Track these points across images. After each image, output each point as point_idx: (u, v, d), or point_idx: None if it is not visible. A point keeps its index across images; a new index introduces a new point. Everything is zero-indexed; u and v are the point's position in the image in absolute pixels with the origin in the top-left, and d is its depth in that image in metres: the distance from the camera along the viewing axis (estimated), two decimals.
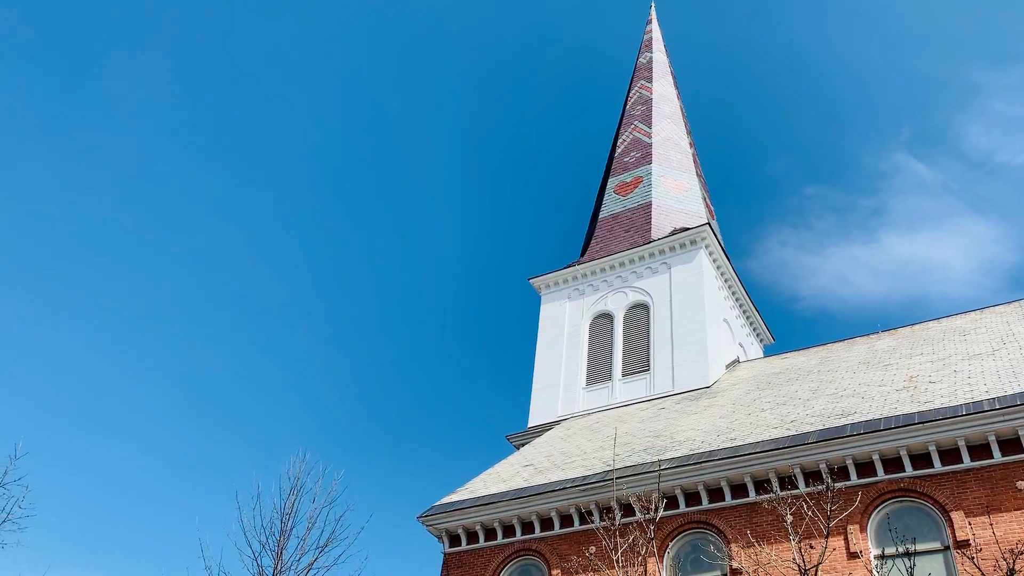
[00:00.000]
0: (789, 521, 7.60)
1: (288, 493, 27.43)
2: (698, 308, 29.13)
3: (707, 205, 36.40)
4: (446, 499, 23.15)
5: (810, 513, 7.53)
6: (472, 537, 22.03)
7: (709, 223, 32.05)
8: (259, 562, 26.23)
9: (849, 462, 17.04)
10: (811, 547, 8.72)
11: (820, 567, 6.19)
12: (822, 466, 17.12)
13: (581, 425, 27.27)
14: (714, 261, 31.81)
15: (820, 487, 16.21)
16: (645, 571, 16.91)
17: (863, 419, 17.70)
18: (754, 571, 15.25)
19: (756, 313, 34.59)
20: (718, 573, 17.65)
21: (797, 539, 6.91)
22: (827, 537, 6.72)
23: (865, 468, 17.06)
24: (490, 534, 21.76)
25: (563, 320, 32.23)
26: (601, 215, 36.04)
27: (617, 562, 7.41)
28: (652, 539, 7.39)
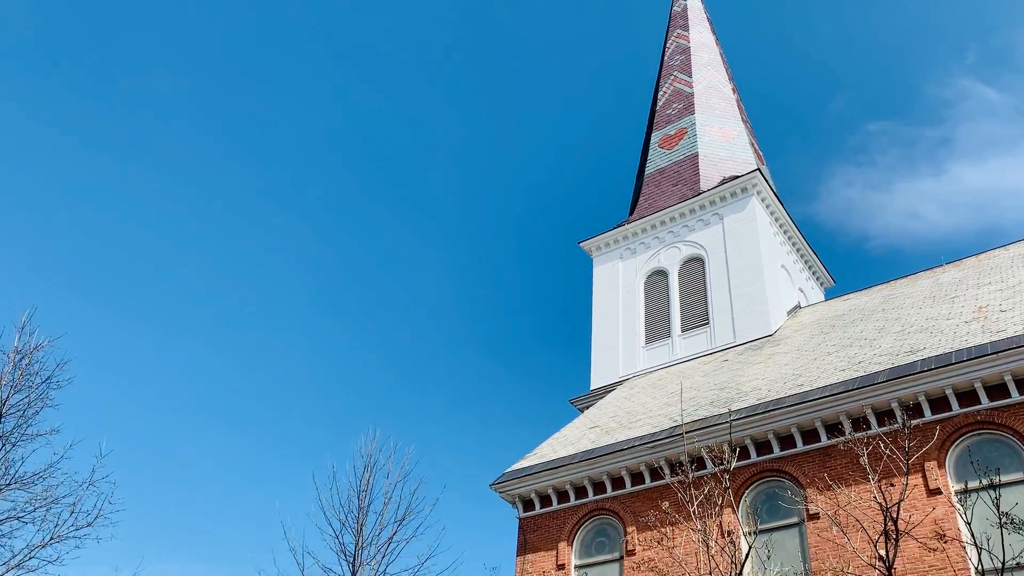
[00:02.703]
0: (865, 460, 7.48)
1: (362, 471, 28.02)
2: (754, 256, 28.70)
3: (755, 151, 35.71)
4: (516, 465, 23.40)
5: (887, 452, 7.40)
6: (545, 500, 22.26)
7: (759, 169, 31.43)
8: (340, 539, 26.91)
9: (922, 399, 16.72)
10: (891, 485, 8.59)
11: (900, 506, 6.11)
12: (894, 405, 16.84)
13: (644, 383, 27.22)
14: (767, 207, 31.25)
15: (894, 426, 15.99)
16: (721, 522, 16.92)
17: (933, 354, 17.32)
18: (833, 514, 15.12)
19: (814, 256, 33.95)
20: (795, 519, 17.55)
21: (876, 478, 6.81)
22: (907, 473, 6.61)
23: (939, 404, 16.73)
24: (562, 496, 21.97)
25: (617, 281, 32.08)
26: (647, 171, 35.63)
27: (694, 513, 7.41)
28: (728, 488, 7.35)
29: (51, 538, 16.32)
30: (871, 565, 6.46)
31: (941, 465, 16.11)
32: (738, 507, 17.12)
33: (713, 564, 6.62)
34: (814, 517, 17.06)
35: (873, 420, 17.04)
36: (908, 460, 6.38)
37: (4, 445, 16.55)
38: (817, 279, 34.56)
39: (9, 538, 16.28)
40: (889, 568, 6.17)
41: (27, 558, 16.01)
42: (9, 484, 16.47)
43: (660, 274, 31.22)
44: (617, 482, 21.01)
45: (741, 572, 6.29)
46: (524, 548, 21.96)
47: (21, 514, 16.38)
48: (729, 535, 7.15)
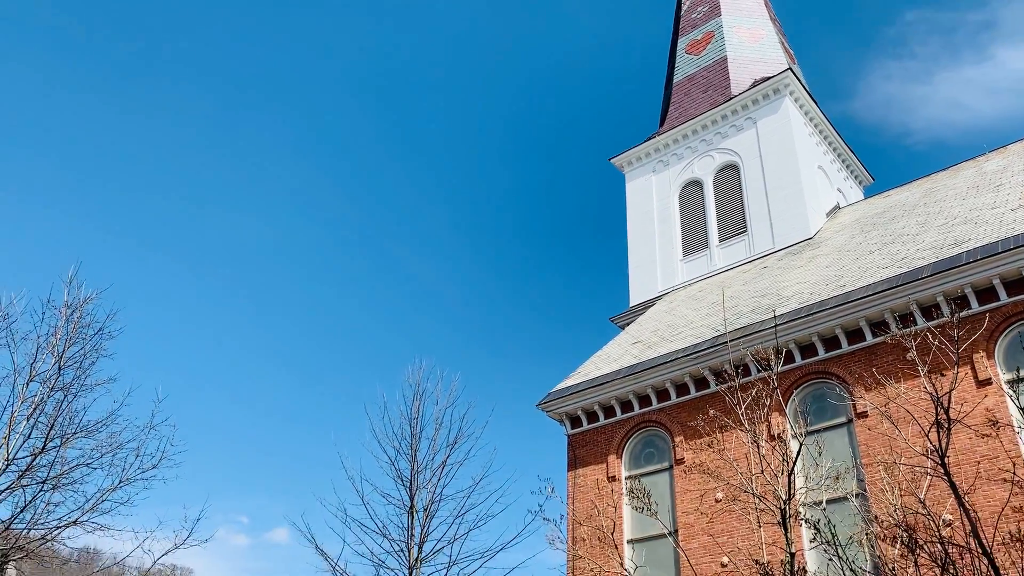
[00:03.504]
0: (914, 352, 7.43)
1: (412, 399, 28.59)
2: (790, 158, 28.12)
3: (786, 50, 34.62)
4: (561, 385, 23.68)
5: (936, 342, 7.33)
6: (592, 417, 22.57)
7: (790, 68, 30.51)
8: (396, 466, 27.67)
9: (968, 290, 16.48)
10: (941, 375, 8.55)
11: (951, 396, 6.08)
12: (939, 299, 16.64)
13: (683, 296, 27.15)
14: (801, 107, 30.45)
15: (941, 320, 15.82)
16: (769, 425, 17.04)
17: (979, 245, 16.98)
18: (883, 407, 15.13)
19: (852, 155, 33.17)
20: (843, 419, 17.62)
21: (925, 368, 6.77)
22: (956, 363, 6.56)
23: (986, 294, 16.49)
24: (609, 412, 22.25)
25: (651, 195, 31.72)
26: (676, 80, 34.79)
27: (742, 415, 7.46)
28: (775, 387, 7.36)
29: (120, 481, 16.97)
30: (923, 455, 6.49)
31: (990, 356, 15.97)
32: (786, 410, 17.21)
33: (764, 464, 6.70)
34: (862, 415, 17.10)
35: (919, 315, 16.88)
36: (958, 349, 6.30)
37: (66, 396, 17.11)
38: (856, 178, 33.84)
39: (81, 484, 16.95)
40: (942, 457, 6.18)
41: (100, 501, 16.69)
42: (75, 433, 17.09)
43: (695, 185, 30.78)
44: (662, 394, 21.20)
45: (793, 469, 6.35)
46: (574, 463, 22.39)
47: (89, 460, 17.02)
48: (778, 437, 7.21)
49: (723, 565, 17.38)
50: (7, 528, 16.24)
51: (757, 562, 6.00)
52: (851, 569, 5.39)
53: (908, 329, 9.67)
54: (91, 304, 17.75)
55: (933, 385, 6.47)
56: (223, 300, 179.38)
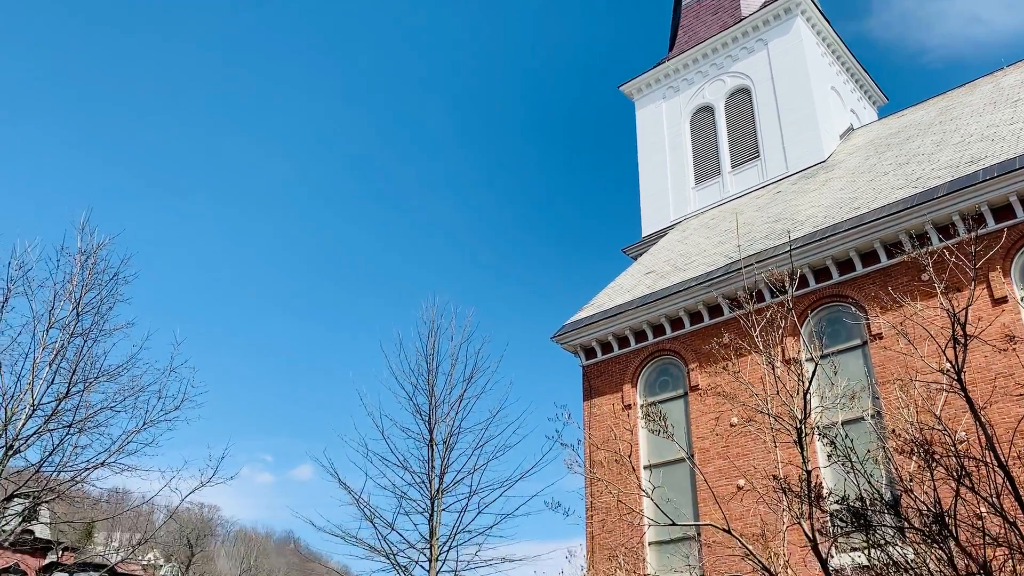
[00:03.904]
0: (930, 269, 7.36)
1: (427, 336, 28.83)
2: (803, 80, 27.57)
3: None
4: (575, 317, 23.75)
5: (952, 259, 7.26)
6: (606, 347, 22.69)
7: None
8: (414, 401, 28.06)
9: (984, 208, 16.29)
10: (957, 291, 8.47)
11: (968, 311, 6.06)
12: (955, 218, 16.46)
13: (696, 224, 26.98)
14: (813, 27, 29.71)
15: (956, 240, 15.68)
16: (784, 349, 17.08)
17: (995, 162, 16.71)
18: (899, 325, 15.12)
19: (865, 75, 32.47)
20: (858, 341, 17.65)
21: (942, 284, 6.72)
22: (974, 278, 6.50)
23: (1003, 212, 16.29)
24: (623, 342, 22.35)
25: (661, 122, 31.26)
26: (684, 2, 33.95)
27: (757, 337, 7.47)
28: (791, 308, 7.33)
29: (143, 423, 17.28)
30: (939, 371, 6.49)
31: (1006, 273, 15.86)
32: (800, 334, 17.22)
33: (779, 385, 6.74)
34: (877, 337, 17.11)
35: (934, 235, 16.73)
36: (975, 264, 6.24)
37: (86, 342, 17.31)
38: (870, 99, 33.20)
39: (106, 427, 17.27)
40: (958, 373, 6.17)
41: (125, 443, 17.03)
42: (97, 377, 17.33)
43: (705, 110, 30.29)
44: (676, 323, 21.24)
45: (808, 389, 6.37)
46: (590, 393, 22.60)
47: (113, 404, 17.30)
48: (793, 360, 7.21)
49: (739, 487, 17.64)
50: (37, 471, 16.63)
51: (775, 477, 6.07)
52: (868, 482, 5.45)
53: (924, 249, 9.59)
54: (105, 250, 17.83)
55: (950, 302, 6.43)
56: (237, 245, 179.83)
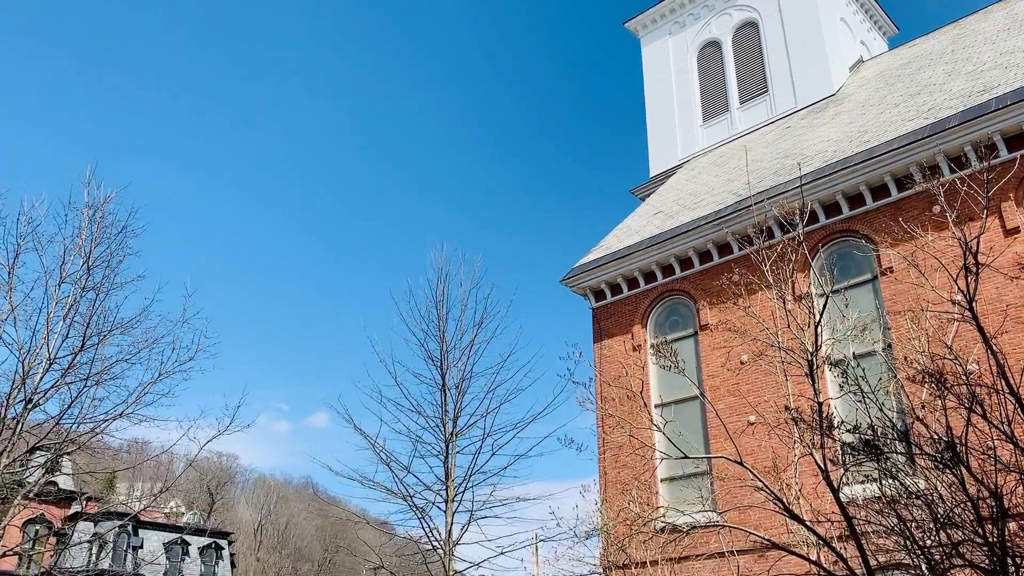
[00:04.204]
0: (941, 199, 7.28)
1: (436, 282, 28.93)
2: (811, 12, 26.98)
3: None
4: (584, 259, 23.73)
5: (964, 187, 7.18)
6: (616, 289, 22.70)
7: None
8: (426, 347, 28.26)
9: (997, 138, 16.06)
10: (970, 219, 8.41)
11: (980, 240, 6.01)
12: (967, 149, 16.25)
13: (704, 163, 26.74)
14: None
15: (967, 171, 15.50)
16: (794, 285, 17.06)
17: (1008, 90, 16.42)
18: (910, 256, 15.07)
19: (875, 4, 31.75)
20: (868, 275, 17.60)
21: (953, 215, 6.65)
22: (987, 205, 6.42)
23: (1015, 141, 16.07)
24: (632, 283, 22.35)
25: (667, 59, 30.75)
26: None
27: (767, 271, 7.45)
28: (801, 241, 7.29)
29: (159, 375, 17.47)
30: (951, 301, 6.47)
31: (1018, 204, 15.72)
32: (811, 269, 17.18)
33: (790, 319, 6.74)
34: (887, 271, 17.06)
35: (945, 167, 16.54)
36: (988, 192, 6.17)
37: (98, 296, 17.42)
38: (880, 29, 32.52)
39: (122, 379, 17.47)
40: (970, 302, 6.15)
41: (142, 394, 17.25)
42: (111, 330, 17.48)
43: (712, 45, 29.75)
44: (685, 263, 21.20)
45: (819, 321, 6.37)
46: (600, 335, 22.69)
47: (128, 356, 17.48)
48: (804, 296, 7.21)
49: (750, 423, 17.80)
50: (57, 423, 16.90)
51: (787, 408, 6.11)
52: (880, 409, 5.48)
53: (935, 181, 9.49)
54: (112, 203, 17.84)
55: (962, 231, 6.38)
56: (245, 197, 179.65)
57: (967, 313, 6.41)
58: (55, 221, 17.26)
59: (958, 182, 8.46)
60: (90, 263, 17.33)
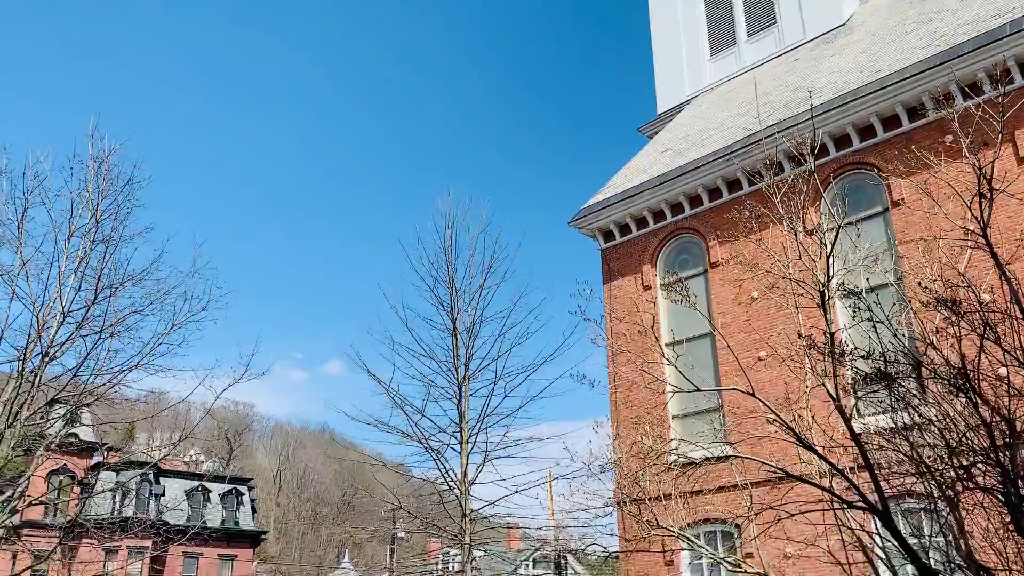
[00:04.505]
0: (956, 126, 7.14)
1: (444, 228, 28.91)
2: None
3: None
4: (592, 200, 23.59)
5: (979, 113, 7.04)
6: (624, 229, 22.61)
7: None
8: (435, 292, 28.36)
9: (1012, 64, 15.74)
10: (984, 144, 8.26)
11: (991, 176, 5.91)
12: (980, 75, 15.95)
13: (712, 99, 26.34)
14: None
15: (979, 98, 15.22)
16: (804, 221, 16.93)
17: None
18: (923, 183, 14.92)
19: None
20: (879, 208, 17.47)
21: (967, 140, 6.52)
22: (1001, 128, 6.29)
23: None
24: (641, 223, 22.24)
25: None
26: None
27: (778, 203, 7.37)
28: (813, 171, 7.19)
29: (172, 325, 17.63)
30: (963, 228, 6.41)
31: None
32: (821, 203, 17.04)
33: (801, 250, 6.70)
34: (899, 203, 16.92)
35: (959, 95, 16.25)
36: (1003, 117, 6.03)
37: (108, 248, 17.49)
38: None
39: (136, 330, 17.64)
40: (984, 228, 6.09)
41: (156, 345, 17.43)
42: (123, 283, 17.60)
43: None
44: (694, 200, 21.05)
45: (831, 251, 6.33)
46: (609, 276, 22.68)
47: (141, 308, 17.62)
48: (815, 229, 7.18)
49: (760, 359, 17.85)
50: (74, 375, 17.12)
51: (799, 335, 6.12)
52: (893, 334, 5.47)
53: (948, 109, 9.33)
54: (117, 156, 17.80)
55: (975, 157, 6.27)
56: (251, 144, 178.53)
57: (980, 240, 6.35)
58: (61, 175, 17.25)
59: (973, 108, 8.29)
60: (98, 216, 17.36)
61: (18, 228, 16.62)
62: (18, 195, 16.58)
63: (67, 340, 17.01)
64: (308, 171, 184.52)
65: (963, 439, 5.13)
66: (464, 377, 27.58)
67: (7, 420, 16.12)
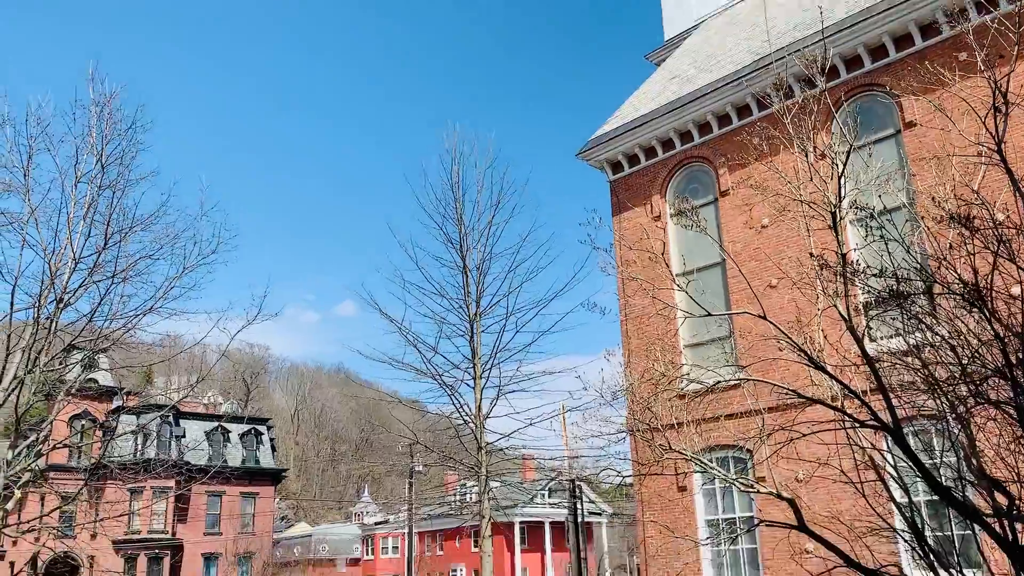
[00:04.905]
0: (971, 37, 6.94)
1: (451, 164, 28.70)
2: None
3: None
4: (600, 131, 23.30)
5: (995, 25, 6.83)
6: (633, 160, 22.38)
7: None
8: (444, 230, 28.31)
9: None
10: (1000, 56, 8.04)
11: (1006, 90, 5.76)
12: None
13: (720, 23, 25.77)
14: None
15: (997, 12, 14.83)
16: (815, 145, 16.71)
17: None
18: (936, 98, 14.66)
19: None
20: (891, 130, 17.20)
21: (983, 53, 6.34)
22: (1017, 44, 6.11)
23: None
24: (650, 152, 22.00)
25: None
26: None
27: (788, 124, 7.24)
28: (824, 90, 7.02)
29: (183, 269, 17.66)
30: (977, 144, 6.30)
31: None
32: (832, 124, 16.76)
33: (813, 171, 6.60)
34: (911, 125, 16.65)
35: (973, 11, 15.84)
36: (1020, 29, 5.85)
37: (115, 193, 17.43)
38: None
39: (148, 275, 17.69)
40: (999, 144, 5.98)
41: (169, 288, 17.49)
42: (132, 227, 17.59)
43: None
44: (704, 128, 20.77)
45: (843, 172, 6.24)
46: (618, 208, 22.53)
47: (151, 252, 17.64)
48: (827, 150, 7.05)
49: (772, 286, 17.83)
50: (90, 320, 17.25)
51: (811, 255, 6.07)
52: (905, 249, 5.42)
53: (963, 25, 9.07)
54: (118, 99, 17.60)
55: (991, 71, 6.11)
56: (252, 86, 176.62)
57: (995, 156, 6.24)
58: (64, 121, 17.11)
59: (988, 22, 8.07)
60: (103, 161, 17.26)
61: (24, 175, 16.56)
62: (22, 142, 16.47)
63: (80, 286, 17.09)
64: (310, 109, 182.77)
65: (975, 355, 5.13)
66: (475, 314, 27.70)
67: (27, 366, 16.34)
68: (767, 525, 6.86)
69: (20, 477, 16.78)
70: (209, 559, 57.15)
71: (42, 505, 39.69)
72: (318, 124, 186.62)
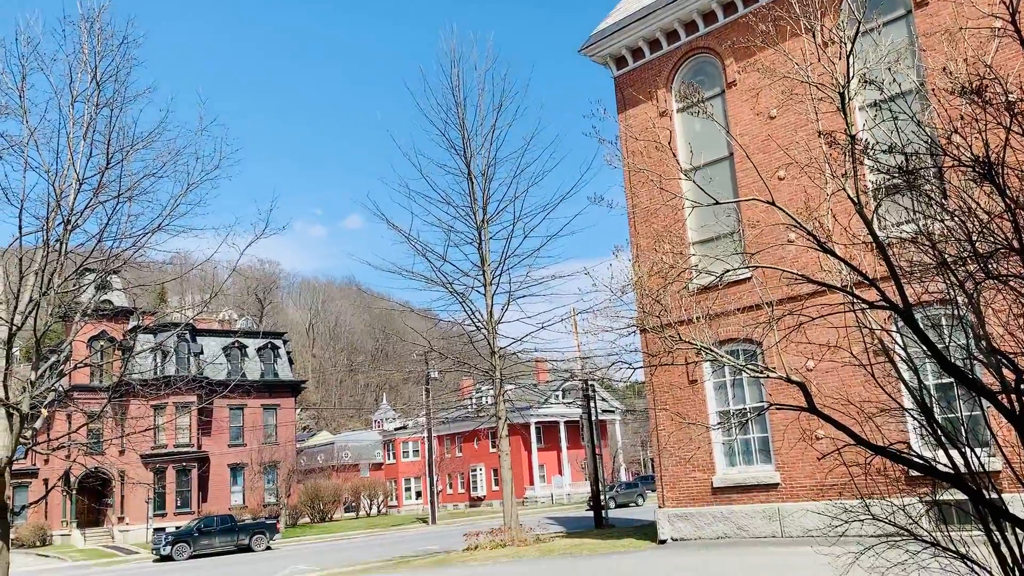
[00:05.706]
0: None
1: (450, 67, 28.14)
2: None
3: None
4: (602, 25, 22.72)
5: None
6: (637, 54, 21.88)
7: None
8: (447, 136, 28.01)
9: None
10: None
11: None
12: None
13: None
14: None
15: None
16: (823, 28, 16.23)
17: None
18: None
19: None
20: (902, 11, 16.75)
21: None
22: None
23: None
24: (654, 45, 21.49)
25: None
26: None
27: (796, 4, 7.00)
28: None
29: (188, 186, 17.57)
30: (991, 16, 6.09)
31: None
32: (841, 5, 16.29)
33: (820, 52, 6.40)
34: (922, 4, 16.16)
35: None
36: None
37: (113, 111, 17.20)
38: None
39: (153, 193, 17.63)
40: (1013, 15, 5.78)
41: (175, 206, 17.46)
42: (133, 145, 17.43)
43: None
44: (709, 17, 20.22)
45: (851, 50, 6.07)
46: (624, 105, 22.15)
47: (154, 170, 17.52)
48: (836, 29, 6.86)
49: (780, 178, 17.66)
50: (99, 241, 17.32)
51: (820, 133, 5.98)
52: (917, 124, 5.33)
53: None
54: (107, 13, 17.18)
55: None
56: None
57: (1009, 27, 6.04)
58: (55, 39, 16.75)
59: None
60: (98, 78, 16.95)
61: (20, 96, 16.33)
62: (14, 62, 16.18)
63: (86, 207, 17.07)
64: (306, 11, 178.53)
65: (985, 228, 5.09)
66: (483, 220, 27.65)
67: (41, 289, 16.50)
68: (778, 408, 6.98)
69: (45, 397, 17.17)
70: (235, 469, 58.94)
71: (69, 424, 40.77)
72: (312, 28, 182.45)
